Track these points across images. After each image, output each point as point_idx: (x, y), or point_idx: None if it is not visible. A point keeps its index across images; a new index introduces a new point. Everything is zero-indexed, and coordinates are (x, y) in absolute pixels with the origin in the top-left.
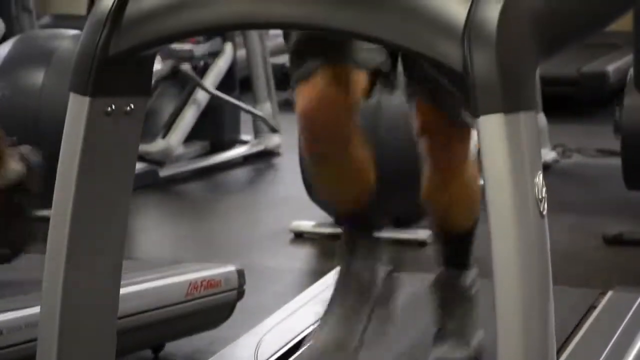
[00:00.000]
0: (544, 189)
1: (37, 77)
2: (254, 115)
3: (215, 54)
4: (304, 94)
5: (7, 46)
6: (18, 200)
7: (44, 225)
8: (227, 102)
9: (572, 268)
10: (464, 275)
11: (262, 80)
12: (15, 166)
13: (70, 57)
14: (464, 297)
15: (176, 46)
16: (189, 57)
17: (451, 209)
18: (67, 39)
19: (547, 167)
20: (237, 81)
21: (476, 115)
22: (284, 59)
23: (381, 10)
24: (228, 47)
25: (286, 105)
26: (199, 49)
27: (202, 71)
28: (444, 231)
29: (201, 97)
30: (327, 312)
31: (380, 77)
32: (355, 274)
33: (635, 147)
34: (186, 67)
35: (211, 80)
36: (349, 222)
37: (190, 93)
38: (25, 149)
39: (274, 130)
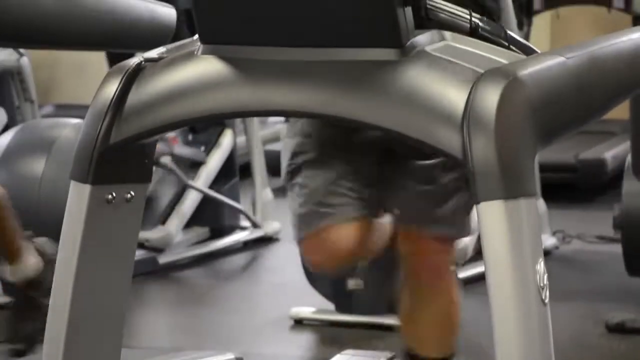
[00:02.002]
0: (545, 276)
1: (38, 166)
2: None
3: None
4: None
5: (8, 136)
6: (34, 294)
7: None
8: (225, 187)
9: (575, 356)
10: None
11: (261, 167)
12: (32, 261)
13: (71, 146)
14: None
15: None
16: (169, 152)
17: (427, 337)
18: (68, 128)
19: (547, 253)
20: (237, 167)
21: (476, 201)
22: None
23: (380, 97)
24: (228, 134)
25: (284, 191)
26: (180, 148)
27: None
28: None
29: (201, 183)
30: None
31: None
32: None
33: (636, 233)
34: (166, 159)
35: (209, 168)
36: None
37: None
38: (41, 241)
39: (255, 225)
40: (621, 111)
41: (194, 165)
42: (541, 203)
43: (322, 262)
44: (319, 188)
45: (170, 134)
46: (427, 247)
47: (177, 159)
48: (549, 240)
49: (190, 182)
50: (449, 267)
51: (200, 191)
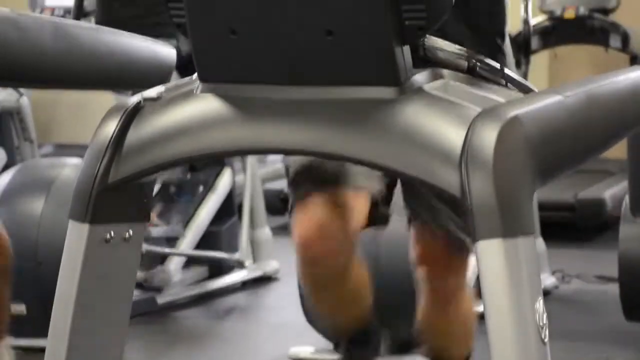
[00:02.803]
0: (545, 315)
1: (37, 205)
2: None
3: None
4: (301, 222)
5: (7, 176)
6: None
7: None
8: (224, 227)
9: None
10: None
11: (260, 205)
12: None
13: (70, 186)
14: None
15: None
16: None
17: (446, 339)
18: (67, 168)
19: (547, 293)
20: (236, 206)
21: (475, 240)
22: (281, 184)
23: (378, 135)
24: (227, 173)
25: (283, 230)
26: (155, 230)
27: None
28: None
29: (200, 222)
30: None
31: (376, 207)
32: None
33: (633, 279)
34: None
35: (208, 207)
36: (348, 344)
37: (190, 217)
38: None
39: (241, 265)
40: (619, 150)
41: (171, 240)
42: (540, 242)
43: (312, 237)
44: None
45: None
46: (444, 254)
47: (154, 241)
48: (548, 280)
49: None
50: (464, 279)
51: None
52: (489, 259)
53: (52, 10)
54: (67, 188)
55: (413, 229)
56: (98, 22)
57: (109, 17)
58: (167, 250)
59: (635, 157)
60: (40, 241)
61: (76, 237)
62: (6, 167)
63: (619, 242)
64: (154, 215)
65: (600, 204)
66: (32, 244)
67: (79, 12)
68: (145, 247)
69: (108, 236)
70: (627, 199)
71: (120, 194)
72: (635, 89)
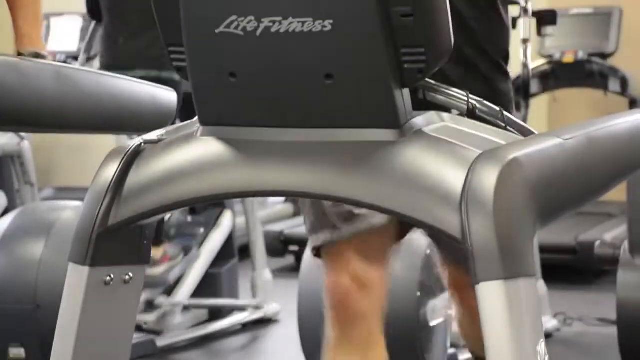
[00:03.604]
0: (547, 358)
1: (36, 249)
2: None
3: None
4: (333, 267)
5: (7, 219)
6: None
7: None
8: (224, 269)
9: None
10: None
11: (261, 247)
12: None
13: (70, 229)
14: None
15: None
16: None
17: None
18: (67, 211)
19: (549, 336)
20: (236, 249)
21: (476, 281)
22: (281, 226)
23: (379, 178)
24: (227, 215)
25: (284, 272)
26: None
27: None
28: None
29: (200, 265)
30: None
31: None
32: None
33: (631, 324)
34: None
35: (209, 249)
36: None
37: (190, 261)
38: None
39: (241, 307)
40: (619, 193)
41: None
42: (541, 284)
43: (345, 292)
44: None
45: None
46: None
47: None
48: (550, 323)
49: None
50: None
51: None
52: (490, 301)
53: (54, 55)
54: (67, 231)
55: (439, 256)
56: (103, 59)
57: (114, 53)
58: (167, 301)
59: (634, 200)
60: (40, 284)
61: (76, 279)
62: (6, 210)
63: (617, 285)
64: (157, 252)
65: (601, 246)
66: (31, 287)
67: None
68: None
69: (108, 279)
70: (625, 244)
71: (121, 237)
72: (634, 132)
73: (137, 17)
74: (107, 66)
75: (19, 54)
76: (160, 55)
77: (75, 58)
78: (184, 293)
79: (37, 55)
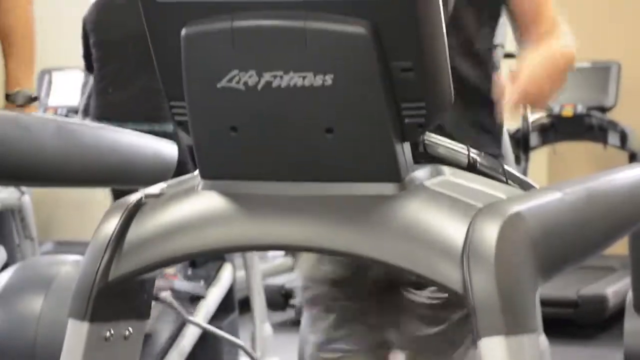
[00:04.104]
0: None
1: (36, 304)
2: (238, 345)
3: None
4: None
5: (7, 274)
6: None
7: None
8: (224, 322)
9: None
10: None
11: (261, 301)
12: None
13: (70, 283)
14: None
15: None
16: (168, 287)
17: None
18: (67, 265)
19: None
20: (236, 302)
21: (478, 337)
22: (282, 280)
23: (380, 231)
24: (227, 268)
25: (284, 326)
26: (180, 283)
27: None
28: None
29: (200, 319)
30: None
31: None
32: None
33: None
34: (166, 294)
35: (208, 303)
36: None
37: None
38: None
39: None
40: (621, 246)
41: (194, 300)
42: (543, 338)
43: None
44: (318, 343)
45: (170, 271)
46: None
47: (177, 294)
48: None
49: (191, 318)
50: None
51: (201, 327)
52: (492, 357)
53: (55, 109)
54: (67, 286)
55: None
56: (95, 110)
57: (104, 105)
58: (189, 318)
59: (637, 254)
60: (39, 340)
61: (76, 335)
62: (6, 265)
63: (624, 338)
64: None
65: (603, 300)
66: (30, 342)
67: (86, 110)
68: (170, 299)
69: (108, 334)
70: (629, 296)
71: (121, 292)
72: (635, 186)
73: (127, 70)
74: (98, 119)
75: (7, 95)
76: (152, 108)
77: (77, 112)
78: (184, 347)
79: (26, 97)
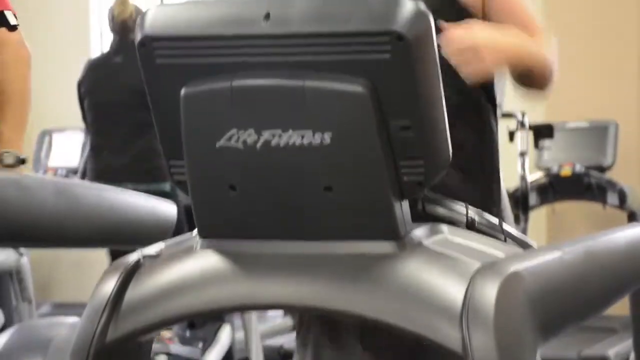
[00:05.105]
0: None
1: None
2: None
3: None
4: None
5: (4, 337)
6: None
7: None
8: None
9: None
10: None
11: None
12: None
13: (68, 346)
14: None
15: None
16: (165, 352)
17: None
18: (65, 327)
19: None
20: None
21: None
22: (281, 340)
23: (379, 291)
24: (226, 329)
25: None
26: (176, 347)
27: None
28: None
29: None
30: None
31: None
32: None
33: None
34: (162, 358)
35: None
36: None
37: None
38: None
39: None
40: (622, 307)
41: None
42: None
43: None
44: None
45: (167, 334)
46: None
47: (173, 358)
48: None
49: None
50: None
51: None
52: None
53: (55, 170)
54: (65, 349)
55: None
56: (91, 172)
57: (100, 167)
58: None
59: (638, 314)
60: None
61: None
62: (3, 327)
63: None
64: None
65: None
66: None
67: (85, 172)
68: None
69: None
70: (632, 357)
71: (119, 353)
72: (635, 246)
73: (122, 131)
74: (94, 180)
75: None
76: (148, 169)
77: (77, 173)
78: None
79: (15, 158)
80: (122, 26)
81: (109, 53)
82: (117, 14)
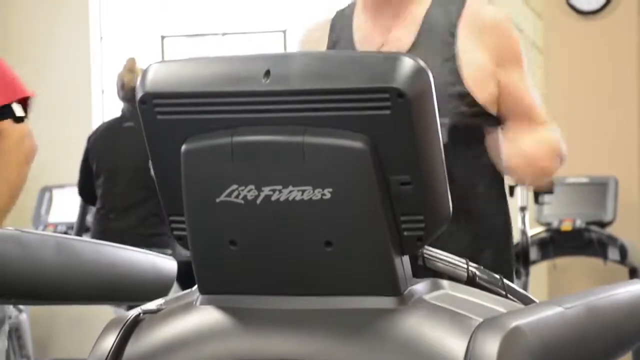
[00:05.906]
0: None
1: None
2: None
3: None
4: None
5: None
6: None
7: None
8: None
9: None
10: None
11: None
12: None
13: None
14: None
15: None
16: None
17: None
18: None
19: None
20: None
21: None
22: None
23: (379, 346)
24: None
25: None
26: None
27: None
28: None
29: None
30: None
31: None
32: None
33: None
34: None
35: None
36: None
37: None
38: None
39: None
40: None
41: None
42: None
43: None
44: None
45: None
46: None
47: None
48: None
49: None
50: None
51: None
52: None
53: (55, 226)
54: None
55: None
56: (95, 235)
57: (105, 229)
58: None
59: None
60: None
61: None
62: None
63: None
64: None
65: None
66: None
67: (81, 227)
68: None
69: None
70: None
71: None
72: (636, 302)
73: (128, 198)
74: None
75: None
76: (151, 234)
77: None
78: None
79: None
80: (133, 94)
81: (121, 118)
82: (126, 81)
